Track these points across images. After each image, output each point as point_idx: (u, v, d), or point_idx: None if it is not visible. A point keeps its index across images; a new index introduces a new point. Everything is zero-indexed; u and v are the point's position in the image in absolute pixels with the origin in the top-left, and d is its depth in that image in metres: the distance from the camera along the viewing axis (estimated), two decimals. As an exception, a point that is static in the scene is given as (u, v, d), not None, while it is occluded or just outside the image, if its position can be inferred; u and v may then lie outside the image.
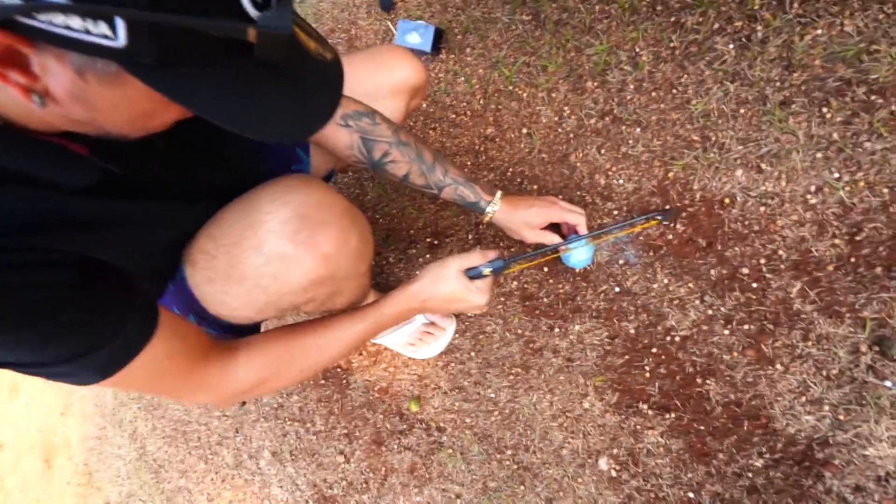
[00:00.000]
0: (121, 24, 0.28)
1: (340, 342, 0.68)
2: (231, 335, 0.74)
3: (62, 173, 0.43)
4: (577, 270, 0.97)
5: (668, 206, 0.91)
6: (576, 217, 0.84)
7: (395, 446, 1.15)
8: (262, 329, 0.77)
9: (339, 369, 1.28)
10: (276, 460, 1.37)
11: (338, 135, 0.73)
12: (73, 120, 0.36)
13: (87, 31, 0.28)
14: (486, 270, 0.73)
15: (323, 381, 1.30)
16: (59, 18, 0.27)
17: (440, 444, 1.09)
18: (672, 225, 0.90)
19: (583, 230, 0.85)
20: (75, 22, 0.27)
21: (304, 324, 0.69)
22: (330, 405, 1.28)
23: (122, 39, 0.29)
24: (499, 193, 0.82)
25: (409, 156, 0.76)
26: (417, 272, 0.78)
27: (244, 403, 1.47)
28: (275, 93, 0.37)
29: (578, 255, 0.87)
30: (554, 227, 0.87)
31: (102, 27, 0.28)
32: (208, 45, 0.32)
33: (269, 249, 0.56)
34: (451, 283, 0.72)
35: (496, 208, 0.81)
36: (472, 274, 0.73)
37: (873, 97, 0.77)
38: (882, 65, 0.76)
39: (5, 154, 0.40)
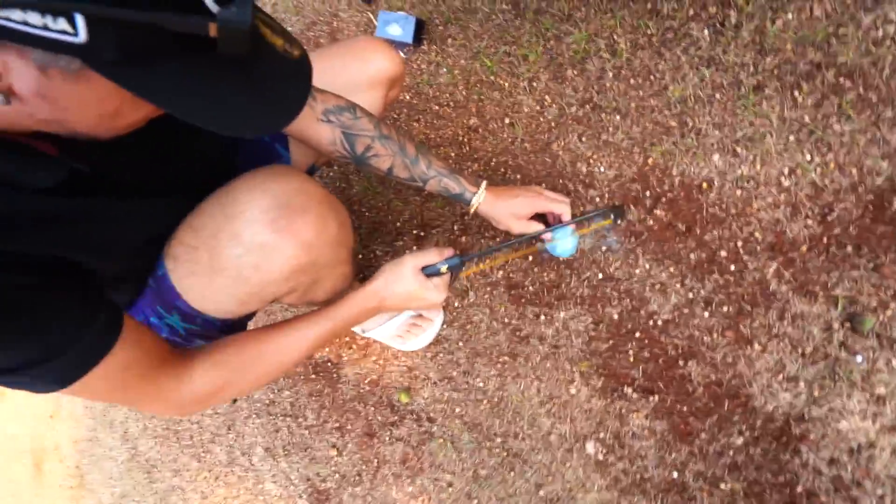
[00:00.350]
0: (80, 20, 0.28)
1: (297, 346, 0.68)
2: (219, 333, 0.74)
3: (29, 173, 0.43)
4: (562, 259, 0.99)
5: (616, 203, 0.93)
6: (560, 206, 0.85)
7: (387, 438, 1.17)
8: (252, 325, 0.78)
9: (329, 363, 1.29)
10: (268, 456, 1.38)
11: (320, 130, 0.73)
12: (40, 119, 0.36)
13: (47, 27, 0.28)
14: (443, 268, 0.74)
15: (314, 376, 1.31)
16: (17, 14, 0.28)
17: (431, 434, 1.11)
18: (621, 223, 0.93)
19: (567, 219, 0.86)
20: (34, 18, 0.28)
21: (262, 329, 0.69)
22: (321, 399, 1.29)
23: (82, 35, 0.29)
24: (483, 184, 0.83)
25: (391, 149, 0.76)
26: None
27: (235, 401, 1.47)
28: (240, 88, 0.37)
29: (564, 245, 0.88)
30: (540, 218, 0.89)
31: (62, 23, 0.28)
32: (171, 41, 0.32)
33: (248, 239, 0.57)
34: (407, 281, 0.73)
35: (481, 199, 0.82)
36: (430, 271, 0.75)
37: (842, 80, 0.79)
38: (849, 48, 0.78)
39: None
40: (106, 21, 0.29)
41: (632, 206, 0.94)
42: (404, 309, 0.79)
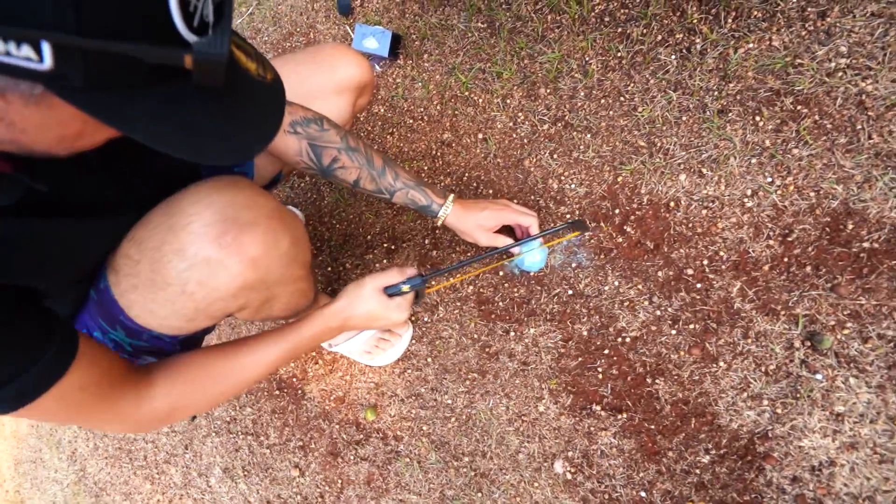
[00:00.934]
0: (47, 48, 0.26)
1: (258, 365, 0.68)
2: (170, 349, 0.71)
3: None
4: (532, 274, 0.99)
5: (577, 219, 0.95)
6: (528, 219, 0.85)
7: (352, 457, 1.12)
8: (216, 338, 0.74)
9: (294, 378, 1.24)
10: (227, 477, 1.31)
11: (286, 141, 0.72)
12: None
13: (9, 54, 0.26)
14: (405, 287, 0.75)
15: (277, 392, 1.26)
16: None
17: (397, 454, 1.07)
18: (585, 236, 0.95)
19: (535, 232, 0.86)
20: None
21: (222, 346, 0.68)
22: (284, 416, 1.23)
23: (47, 62, 0.27)
24: (451, 196, 0.83)
25: (358, 161, 0.75)
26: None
27: (194, 417, 1.40)
28: (213, 116, 0.36)
29: (532, 258, 0.88)
30: (507, 231, 0.88)
31: (26, 50, 0.26)
32: (142, 69, 0.30)
33: (192, 253, 0.53)
34: (368, 302, 0.73)
35: (448, 211, 0.82)
36: (392, 291, 0.75)
37: (799, 107, 0.82)
38: (805, 77, 0.81)
39: None
40: (75, 49, 0.27)
41: (601, 223, 0.94)
42: (367, 328, 0.77)
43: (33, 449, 1.87)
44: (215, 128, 0.37)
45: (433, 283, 0.84)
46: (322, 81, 0.81)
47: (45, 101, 0.30)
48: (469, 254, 1.06)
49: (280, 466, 1.22)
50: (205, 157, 0.37)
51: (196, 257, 0.53)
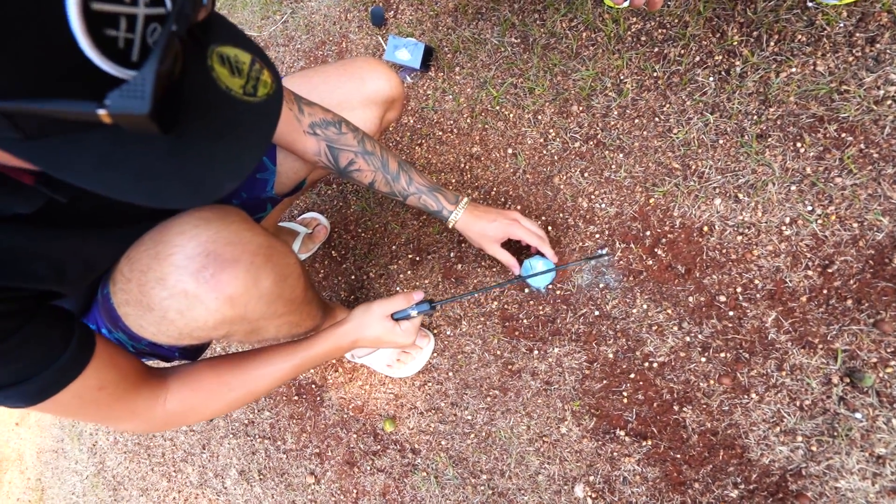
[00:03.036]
0: None
1: (269, 377, 0.70)
2: (171, 354, 0.73)
3: (4, 202, 0.42)
4: (556, 293, 0.97)
5: (603, 250, 0.94)
6: (534, 240, 0.84)
7: (368, 467, 1.12)
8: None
9: (313, 385, 1.24)
10: (243, 479, 1.31)
11: (305, 142, 0.73)
12: None
13: None
14: (413, 313, 0.76)
15: (296, 398, 1.26)
16: None
17: (414, 467, 1.06)
18: (610, 260, 0.93)
19: (545, 248, 0.86)
20: None
21: (235, 357, 0.70)
22: (303, 422, 1.24)
23: None
24: (464, 201, 0.83)
25: (373, 164, 0.77)
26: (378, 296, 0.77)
27: (211, 419, 1.41)
28: (170, 155, 0.33)
29: (535, 279, 0.87)
30: (514, 243, 0.87)
31: None
32: (69, 120, 0.28)
33: (172, 283, 0.54)
34: (375, 327, 0.75)
35: (458, 217, 0.82)
36: (399, 316, 0.77)
37: (844, 135, 0.79)
38: (851, 104, 0.79)
39: None
40: None
41: (632, 244, 0.93)
42: (376, 348, 0.77)
43: (56, 439, 1.91)
44: (175, 168, 0.33)
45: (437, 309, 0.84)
46: (350, 93, 0.82)
47: None
48: (494, 268, 1.05)
49: (296, 472, 1.22)
50: (165, 202, 0.34)
51: (175, 288, 0.53)
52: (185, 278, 0.53)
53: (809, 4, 0.84)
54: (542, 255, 0.88)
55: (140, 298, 0.55)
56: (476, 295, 0.85)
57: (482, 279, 1.06)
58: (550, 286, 0.98)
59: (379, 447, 1.11)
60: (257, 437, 1.30)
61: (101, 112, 0.26)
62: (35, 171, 0.42)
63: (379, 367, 1.09)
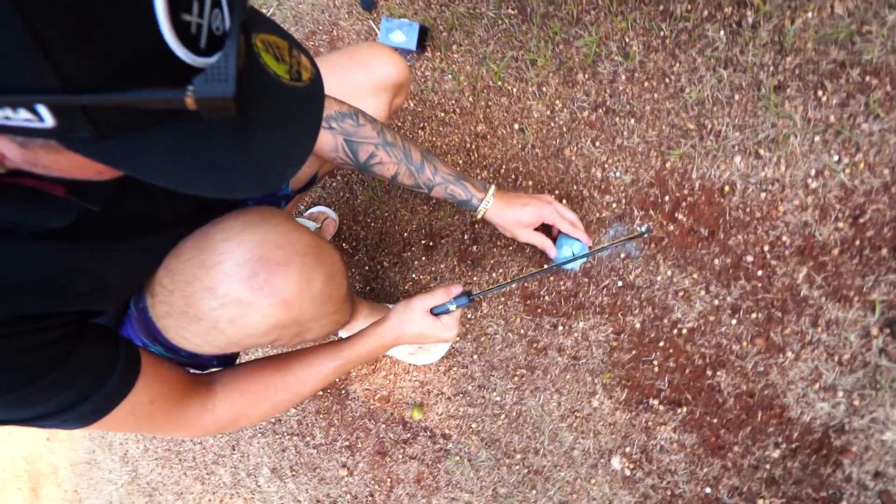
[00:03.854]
0: (43, 109, 0.25)
1: (314, 378, 0.69)
2: (207, 364, 0.71)
3: (36, 215, 0.40)
4: (578, 267, 0.95)
5: (643, 227, 0.90)
6: (566, 226, 0.81)
7: (400, 456, 1.11)
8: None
9: (337, 379, 1.23)
10: (275, 477, 1.31)
11: (322, 137, 0.69)
12: (38, 170, 0.33)
13: (8, 118, 0.26)
14: (452, 307, 0.74)
15: (321, 393, 1.25)
16: None
17: (446, 452, 1.05)
18: (650, 236, 0.89)
19: (578, 233, 0.82)
20: None
21: (279, 359, 0.69)
22: (329, 417, 1.23)
23: (49, 121, 0.26)
24: (492, 189, 0.79)
25: (396, 156, 0.73)
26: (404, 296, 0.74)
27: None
28: (235, 147, 0.33)
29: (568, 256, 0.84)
30: (546, 227, 0.84)
31: (23, 113, 0.25)
32: (150, 112, 0.28)
33: (223, 293, 0.52)
34: (416, 324, 0.73)
35: (488, 205, 0.78)
36: (439, 311, 0.74)
37: (868, 78, 0.75)
38: (874, 45, 0.75)
39: None
40: (71, 106, 0.26)
41: (651, 211, 0.89)
42: (419, 344, 0.75)
43: (87, 451, 1.92)
44: (241, 159, 0.33)
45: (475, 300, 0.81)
46: (359, 81, 0.78)
47: (62, 149, 0.29)
48: (511, 249, 1.03)
49: (328, 466, 1.22)
50: (234, 192, 0.34)
51: (227, 297, 0.52)
52: (237, 286, 0.51)
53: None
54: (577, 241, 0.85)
55: (185, 310, 0.53)
56: (514, 285, 0.81)
57: (498, 259, 1.03)
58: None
59: (409, 435, 1.10)
60: (286, 434, 1.30)
61: (189, 98, 0.26)
62: (67, 182, 0.40)
63: (401, 356, 1.07)
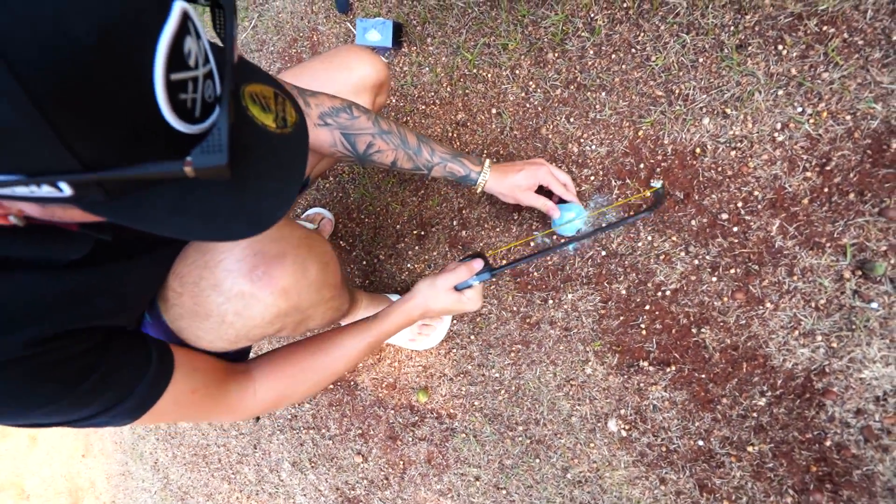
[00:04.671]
0: (63, 184, 0.30)
1: (347, 356, 0.73)
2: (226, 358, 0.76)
3: (58, 250, 0.46)
4: (561, 241, 0.98)
5: (652, 199, 0.91)
6: (559, 188, 0.85)
7: (410, 439, 1.16)
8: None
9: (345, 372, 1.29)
10: (296, 470, 1.38)
11: (319, 135, 0.73)
12: (55, 220, 0.38)
13: (34, 192, 0.30)
14: (475, 283, 0.77)
15: (332, 386, 1.31)
16: (5, 190, 0.30)
17: (453, 431, 1.10)
18: (662, 204, 0.90)
19: (569, 196, 0.85)
20: (21, 189, 0.30)
21: (313, 340, 0.73)
22: (342, 408, 1.29)
23: (67, 192, 0.31)
24: (487, 162, 0.83)
25: (393, 143, 0.76)
26: (412, 280, 0.79)
27: (258, 419, 1.48)
28: (229, 197, 0.37)
29: (566, 227, 0.88)
30: (547, 191, 0.88)
31: (46, 188, 0.30)
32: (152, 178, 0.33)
33: (227, 288, 0.57)
34: (442, 300, 0.76)
35: (487, 177, 0.82)
36: (462, 286, 0.77)
37: (825, 27, 0.77)
38: (830, -6, 0.77)
39: (8, 244, 0.42)
40: (88, 181, 0.30)
41: (627, 180, 0.92)
42: (444, 316, 0.79)
43: (120, 463, 2.02)
44: (236, 208, 0.38)
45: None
46: (340, 84, 0.82)
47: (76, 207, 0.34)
48: (498, 230, 1.07)
49: (344, 455, 1.28)
50: (232, 237, 0.38)
51: (231, 291, 0.57)
52: (239, 280, 0.56)
53: None
54: (565, 201, 0.88)
55: (195, 309, 0.59)
56: (536, 260, 0.83)
57: (487, 242, 1.07)
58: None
59: (417, 418, 1.15)
60: (302, 428, 1.36)
61: (188, 169, 0.30)
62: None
63: (403, 343, 1.12)
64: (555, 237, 0.99)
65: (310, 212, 1.35)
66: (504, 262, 1.06)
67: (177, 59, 0.30)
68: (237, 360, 0.79)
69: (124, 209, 0.34)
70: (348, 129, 0.73)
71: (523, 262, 0.75)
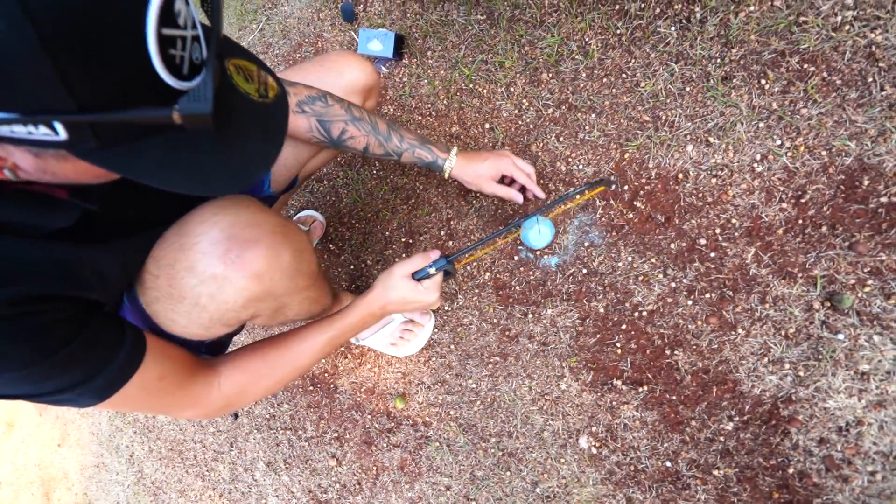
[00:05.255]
0: (59, 125, 0.33)
1: (310, 351, 0.74)
2: (200, 351, 0.77)
3: (45, 216, 0.47)
4: (539, 251, 1.00)
5: (602, 177, 0.94)
6: (522, 177, 0.87)
7: (385, 445, 1.17)
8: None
9: (325, 374, 1.29)
10: (270, 470, 1.38)
11: (296, 121, 0.77)
12: (46, 177, 0.41)
13: (31, 133, 0.33)
14: (432, 270, 0.78)
15: (311, 388, 1.31)
16: (4, 128, 0.32)
17: (427, 439, 1.11)
18: (613, 189, 0.93)
19: (532, 185, 0.88)
20: (19, 128, 0.32)
21: (279, 337, 0.75)
22: (319, 410, 1.29)
23: (63, 135, 0.33)
24: (455, 150, 0.86)
25: (364, 129, 0.80)
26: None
27: (237, 416, 1.48)
28: (213, 153, 0.40)
29: (534, 235, 0.90)
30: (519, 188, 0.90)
31: (43, 129, 0.33)
32: (143, 126, 0.36)
33: (201, 270, 0.58)
34: (399, 288, 0.78)
35: (452, 164, 0.85)
36: (420, 276, 0.78)
37: (806, 66, 0.80)
38: (811, 34, 0.80)
39: None
40: (81, 123, 0.33)
41: (612, 200, 0.95)
42: (405, 311, 0.80)
43: (95, 454, 2.01)
44: (217, 163, 0.41)
45: (458, 260, 0.86)
46: (330, 86, 0.85)
47: (70, 157, 0.37)
48: (478, 236, 1.09)
49: (318, 458, 1.28)
50: (213, 191, 0.41)
51: (205, 274, 0.58)
52: (213, 262, 0.58)
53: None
54: (539, 216, 0.90)
55: (170, 291, 0.60)
56: (485, 243, 0.84)
57: (472, 252, 1.09)
58: (548, 249, 1.00)
59: (393, 424, 1.16)
60: (279, 428, 1.36)
61: (175, 114, 0.33)
62: (69, 187, 0.47)
63: (383, 348, 1.14)
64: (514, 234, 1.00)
65: (302, 214, 1.38)
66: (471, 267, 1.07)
67: (167, 16, 0.33)
68: (212, 354, 0.81)
69: (115, 158, 0.36)
70: (323, 116, 0.77)
71: (473, 247, 0.77)
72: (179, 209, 0.67)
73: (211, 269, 0.58)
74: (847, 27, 0.78)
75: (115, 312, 0.71)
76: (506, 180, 0.91)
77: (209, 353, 0.80)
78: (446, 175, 0.86)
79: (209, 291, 0.59)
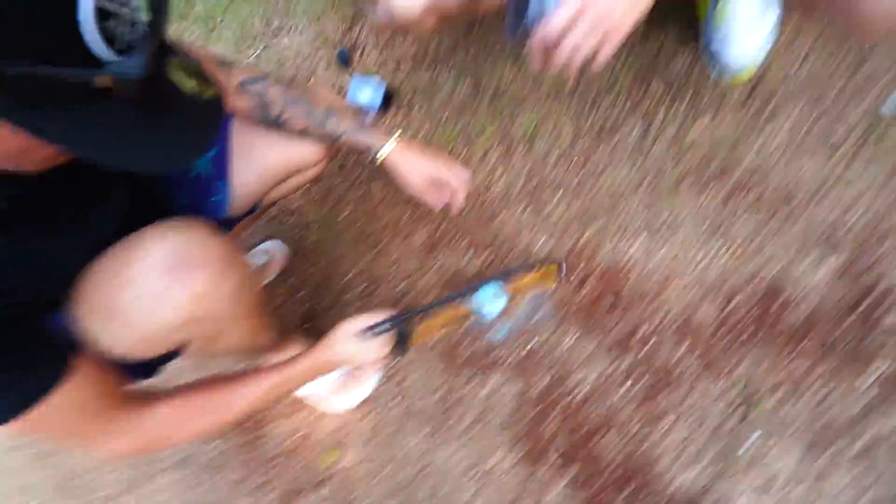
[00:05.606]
0: None
1: (248, 398, 0.79)
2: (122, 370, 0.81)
3: None
4: (489, 322, 1.13)
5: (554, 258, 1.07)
6: (455, 182, 0.93)
7: (313, 498, 1.23)
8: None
9: (258, 416, 1.37)
10: (184, 515, 1.41)
11: (239, 101, 0.88)
12: None
13: None
14: (378, 329, 0.86)
15: (239, 430, 1.38)
16: None
17: (352, 500, 1.18)
18: (564, 279, 1.06)
19: (457, 199, 0.95)
20: None
21: (219, 377, 0.81)
22: (247, 455, 1.35)
23: None
24: (395, 135, 0.91)
25: (301, 110, 0.90)
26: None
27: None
28: (143, 127, 0.44)
29: (487, 304, 1.02)
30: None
31: None
32: (67, 87, 0.38)
33: (142, 284, 0.62)
34: (346, 345, 0.85)
35: (388, 150, 0.91)
36: (368, 334, 0.86)
37: (746, 179, 0.98)
38: (752, 152, 0.98)
39: None
40: None
41: (564, 265, 1.08)
42: (352, 365, 0.90)
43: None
44: (147, 138, 0.44)
45: (414, 329, 0.95)
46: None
47: None
48: (434, 297, 1.21)
49: (238, 505, 1.33)
50: (138, 166, 0.45)
51: (145, 288, 0.63)
52: (155, 278, 0.63)
53: (712, 76, 1.05)
54: (495, 286, 1.01)
55: (105, 304, 0.64)
56: (437, 307, 0.93)
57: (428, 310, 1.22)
58: (498, 319, 1.11)
59: (322, 477, 1.23)
60: (200, 468, 1.41)
61: (98, 76, 0.38)
62: None
63: (323, 394, 1.22)
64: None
65: (267, 244, 1.49)
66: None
67: None
68: (144, 377, 0.87)
69: (32, 117, 0.38)
70: (263, 96, 0.88)
71: (423, 310, 0.85)
72: (126, 216, 0.73)
73: (154, 285, 0.63)
74: (779, 151, 0.97)
75: (43, 323, 0.73)
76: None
77: (131, 374, 0.81)
78: (380, 160, 0.91)
79: (146, 307, 0.63)
